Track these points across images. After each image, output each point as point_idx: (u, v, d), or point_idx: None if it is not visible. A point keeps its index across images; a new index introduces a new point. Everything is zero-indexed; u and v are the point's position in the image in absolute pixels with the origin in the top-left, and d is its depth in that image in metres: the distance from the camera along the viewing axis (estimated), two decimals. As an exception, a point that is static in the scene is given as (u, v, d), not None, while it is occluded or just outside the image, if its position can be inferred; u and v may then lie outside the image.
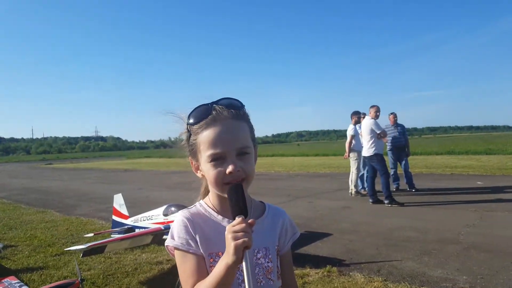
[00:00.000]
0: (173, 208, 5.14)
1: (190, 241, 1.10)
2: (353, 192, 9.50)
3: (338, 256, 4.83)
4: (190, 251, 1.09)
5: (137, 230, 5.32)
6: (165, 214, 5.11)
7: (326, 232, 6.19)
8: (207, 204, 1.20)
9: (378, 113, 8.51)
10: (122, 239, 4.27)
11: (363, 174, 9.73)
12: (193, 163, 1.18)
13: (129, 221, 5.67)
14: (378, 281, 4.02)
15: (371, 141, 8.29)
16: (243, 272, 0.94)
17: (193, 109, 1.13)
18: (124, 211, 5.89)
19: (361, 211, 7.91)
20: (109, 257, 5.18)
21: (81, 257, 4.17)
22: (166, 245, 1.14)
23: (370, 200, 8.40)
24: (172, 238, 1.12)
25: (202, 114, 1.10)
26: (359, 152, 9.23)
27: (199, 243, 1.10)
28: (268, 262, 1.16)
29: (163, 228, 4.52)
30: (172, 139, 1.29)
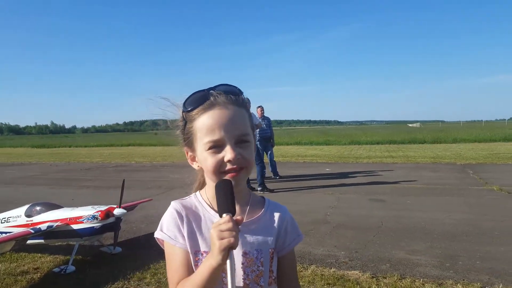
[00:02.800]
0: (38, 208, 4.32)
1: (177, 234, 1.05)
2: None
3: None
4: (177, 245, 1.04)
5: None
6: (29, 215, 4.26)
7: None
8: (202, 197, 1.12)
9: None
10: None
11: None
12: (188, 153, 1.11)
13: (-27, 226, 4.54)
14: (273, 264, 4.17)
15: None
16: (226, 273, 0.89)
17: (188, 95, 1.05)
18: (-35, 215, 4.68)
19: (236, 199, 8.11)
20: None
21: None
22: (156, 237, 1.09)
23: (244, 188, 8.71)
24: (161, 230, 1.07)
25: (199, 99, 1.03)
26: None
27: (186, 238, 1.04)
28: (258, 266, 1.06)
29: (33, 231, 3.75)
30: (168, 122, 1.15)
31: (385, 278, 3.77)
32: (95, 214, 4.02)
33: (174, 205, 1.10)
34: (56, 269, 4.01)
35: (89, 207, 4.25)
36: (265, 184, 8.65)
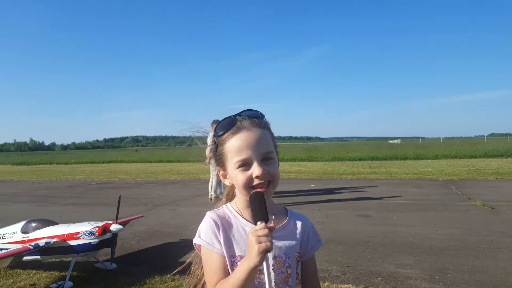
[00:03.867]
0: (34, 224, 4.30)
1: (214, 241, 1.17)
2: (212, 198, 9.70)
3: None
4: (215, 250, 1.16)
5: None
6: (25, 232, 4.23)
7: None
8: (232, 208, 1.26)
9: None
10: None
11: (220, 180, 10.06)
12: (221, 172, 1.25)
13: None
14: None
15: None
16: (263, 274, 1.00)
17: (218, 122, 1.21)
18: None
19: (226, 215, 8.14)
20: None
21: None
22: (194, 243, 1.22)
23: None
24: (199, 236, 1.20)
25: (228, 125, 1.18)
26: (219, 158, 9.50)
27: (222, 244, 1.16)
28: (287, 268, 1.19)
29: (32, 247, 3.73)
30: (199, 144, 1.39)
31: (378, 291, 3.89)
32: (92, 230, 4.03)
33: (210, 214, 1.24)
34: (53, 285, 3.97)
35: (86, 223, 4.26)
36: None
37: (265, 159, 1.14)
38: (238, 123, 1.17)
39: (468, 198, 9.14)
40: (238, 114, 1.19)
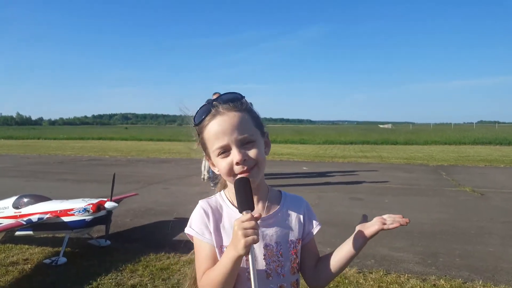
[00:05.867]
0: (26, 199, 4.23)
1: (204, 230, 1.15)
2: (205, 178, 9.68)
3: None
4: (204, 240, 1.14)
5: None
6: (17, 207, 4.17)
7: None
8: (225, 195, 1.23)
9: None
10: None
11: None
12: (210, 161, 1.20)
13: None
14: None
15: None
16: (249, 264, 0.99)
17: (196, 111, 1.17)
18: None
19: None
20: None
21: None
22: (186, 232, 1.18)
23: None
24: (190, 226, 1.17)
25: (203, 113, 1.14)
26: (213, 138, 9.45)
27: (212, 234, 1.14)
28: (278, 257, 1.16)
29: (25, 222, 3.67)
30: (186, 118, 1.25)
31: (371, 273, 3.93)
32: (86, 207, 3.98)
33: (201, 204, 1.20)
34: (47, 261, 3.95)
35: (80, 199, 4.20)
36: None
37: (245, 143, 1.10)
38: (213, 109, 1.11)
39: (458, 184, 9.27)
40: (215, 100, 1.13)
